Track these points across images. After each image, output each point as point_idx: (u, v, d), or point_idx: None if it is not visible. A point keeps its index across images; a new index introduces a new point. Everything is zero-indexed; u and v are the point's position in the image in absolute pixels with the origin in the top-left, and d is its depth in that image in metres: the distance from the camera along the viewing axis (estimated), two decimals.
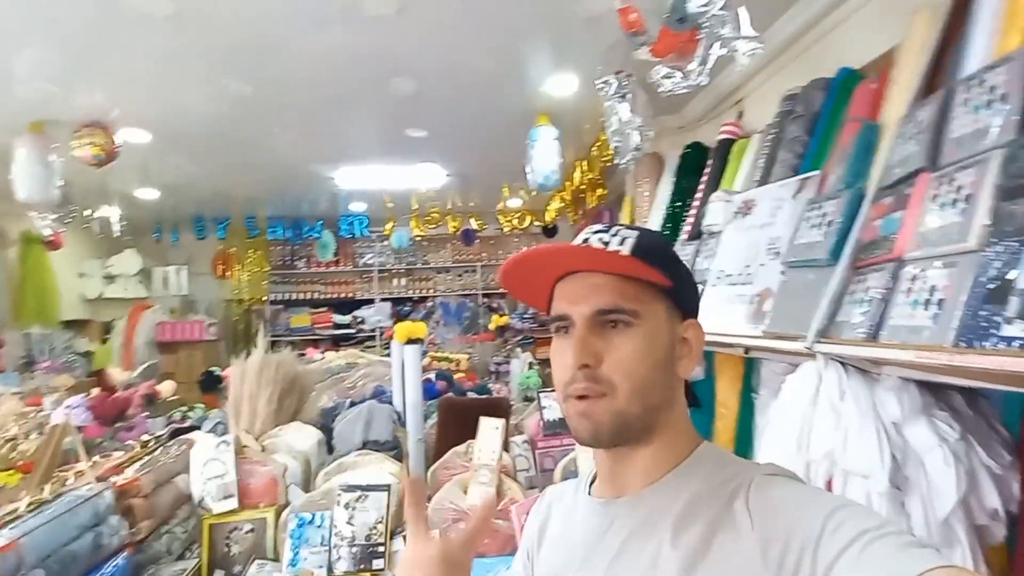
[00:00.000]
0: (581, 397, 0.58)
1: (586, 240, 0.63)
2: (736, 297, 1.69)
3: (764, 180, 1.81)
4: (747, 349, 1.65)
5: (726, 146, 2.28)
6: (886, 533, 0.45)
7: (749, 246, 1.71)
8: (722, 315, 1.73)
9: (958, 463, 1.01)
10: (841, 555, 0.45)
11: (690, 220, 2.32)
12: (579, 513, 0.67)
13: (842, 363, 1.17)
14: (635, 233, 0.62)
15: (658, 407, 0.60)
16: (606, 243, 0.61)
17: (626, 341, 0.58)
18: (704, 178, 2.36)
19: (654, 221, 2.75)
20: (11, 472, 1.84)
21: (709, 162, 2.39)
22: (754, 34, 1.15)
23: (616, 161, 2.04)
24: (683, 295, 0.63)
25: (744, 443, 1.93)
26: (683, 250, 2.23)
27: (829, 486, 1.15)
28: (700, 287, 1.95)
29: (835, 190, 1.37)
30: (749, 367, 1.93)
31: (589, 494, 0.67)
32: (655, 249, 0.62)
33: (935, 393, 1.12)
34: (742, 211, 1.80)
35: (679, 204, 2.61)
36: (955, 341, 0.90)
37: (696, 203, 2.33)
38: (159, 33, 2.12)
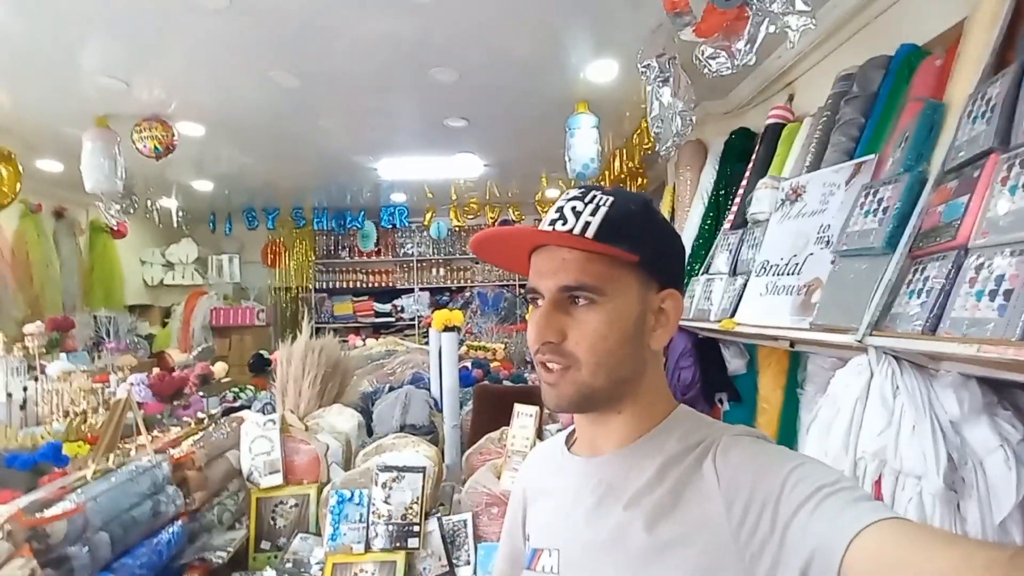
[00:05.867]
0: (548, 368, 0.61)
1: (560, 208, 0.62)
2: (782, 288, 1.62)
3: (815, 165, 1.72)
4: (793, 342, 1.58)
5: (775, 131, 2.18)
6: (840, 488, 0.47)
7: (797, 235, 1.63)
8: (766, 307, 1.67)
9: (1020, 465, 0.94)
10: (798, 510, 0.47)
11: (734, 209, 2.24)
12: (561, 469, 0.69)
13: (896, 358, 1.11)
14: (609, 201, 0.61)
15: (626, 379, 0.61)
16: (579, 213, 0.60)
17: (590, 318, 0.59)
18: (750, 165, 2.27)
19: (696, 210, 2.67)
20: (80, 444, 1.98)
21: (756, 148, 2.30)
22: (807, 8, 1.09)
23: (657, 148, 1.98)
24: (658, 265, 0.62)
25: (788, 440, 1.86)
26: (726, 239, 2.15)
27: (878, 487, 1.10)
28: (743, 278, 1.88)
29: (893, 174, 1.28)
30: (795, 361, 1.86)
31: (569, 450, 0.69)
32: (626, 221, 0.60)
33: (999, 391, 1.05)
34: (790, 198, 1.72)
35: (723, 192, 2.52)
36: (1022, 335, 0.83)
37: (741, 191, 2.24)
38: (212, 27, 2.21)
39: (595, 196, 0.61)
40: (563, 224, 0.61)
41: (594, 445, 0.65)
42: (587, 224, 0.59)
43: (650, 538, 0.55)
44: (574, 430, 0.71)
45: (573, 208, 0.61)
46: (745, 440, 0.57)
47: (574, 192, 0.63)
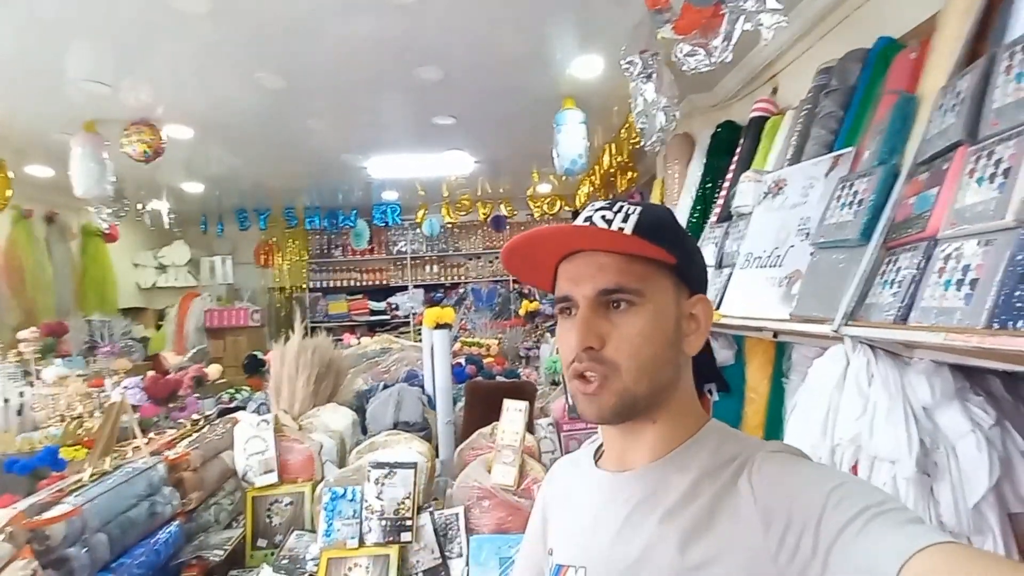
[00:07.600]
0: (586, 378, 0.58)
1: (589, 218, 0.61)
2: (766, 280, 1.65)
3: (796, 158, 1.75)
4: (776, 333, 1.61)
5: (758, 124, 2.20)
6: (888, 509, 0.45)
7: (780, 227, 1.66)
8: (751, 298, 1.70)
9: (991, 449, 0.98)
10: (842, 532, 0.45)
11: (720, 202, 2.27)
12: (588, 484, 0.67)
13: (871, 346, 1.14)
14: (639, 209, 0.61)
15: (665, 386, 0.59)
16: (609, 221, 0.60)
17: (631, 321, 0.57)
18: (735, 158, 2.30)
19: (684, 203, 2.69)
20: (78, 448, 2.00)
21: (741, 141, 2.32)
22: (778, 6, 1.11)
23: (642, 143, 2.00)
24: (689, 270, 0.62)
25: (774, 429, 1.90)
26: (712, 232, 2.18)
27: (855, 471, 1.13)
28: (729, 270, 1.91)
29: (868, 167, 1.31)
30: (780, 351, 1.89)
31: (596, 465, 0.68)
32: (659, 225, 0.60)
33: (971, 378, 1.08)
34: (772, 191, 1.74)
35: (709, 185, 2.55)
36: (988, 323, 0.86)
37: (727, 184, 2.27)
38: (196, 30, 2.21)
39: (622, 206, 0.61)
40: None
41: (624, 459, 0.63)
42: (622, 228, 0.59)
43: (682, 558, 0.53)
44: (602, 443, 0.70)
45: (603, 216, 0.61)
46: (781, 456, 0.55)
47: (600, 203, 0.63)
